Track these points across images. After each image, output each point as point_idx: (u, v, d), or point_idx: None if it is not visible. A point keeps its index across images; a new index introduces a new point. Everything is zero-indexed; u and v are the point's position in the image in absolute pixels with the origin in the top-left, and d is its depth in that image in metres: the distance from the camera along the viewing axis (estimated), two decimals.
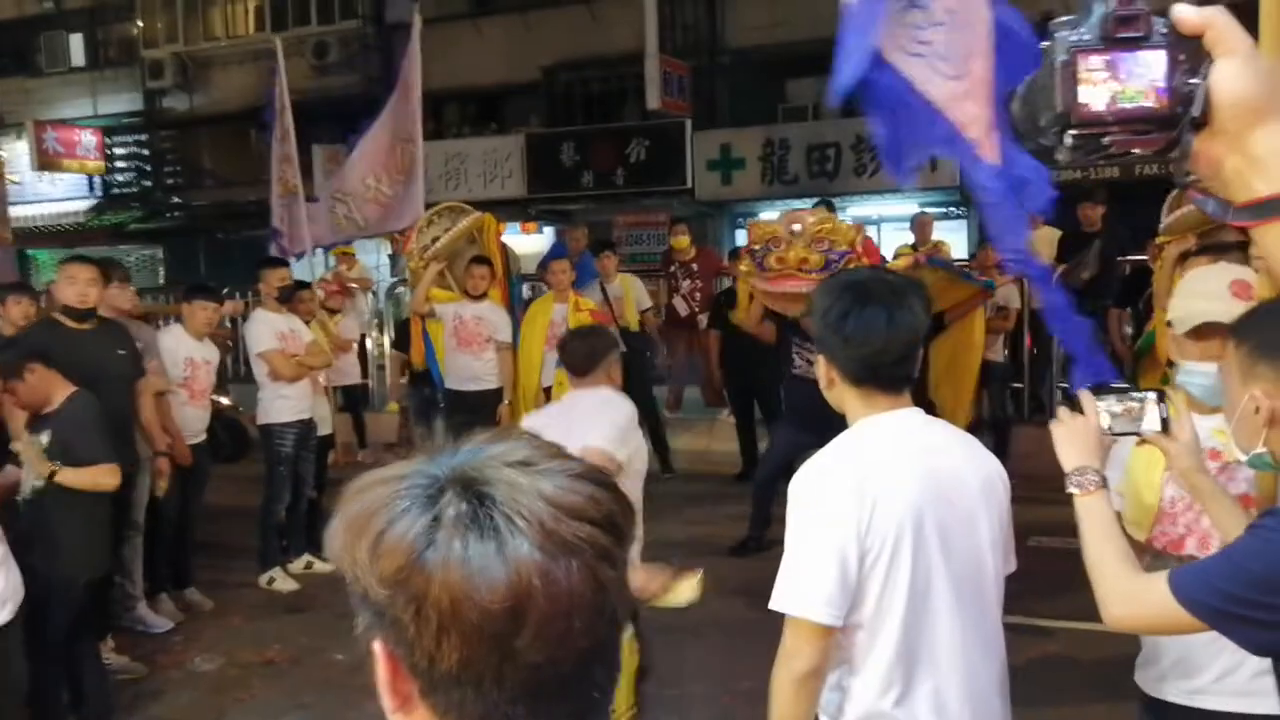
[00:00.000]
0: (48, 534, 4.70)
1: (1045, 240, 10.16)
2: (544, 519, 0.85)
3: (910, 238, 11.19)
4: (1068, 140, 1.04)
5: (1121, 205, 10.13)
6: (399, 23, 17.50)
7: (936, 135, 4.11)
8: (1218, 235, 5.22)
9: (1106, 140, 1.05)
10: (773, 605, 2.14)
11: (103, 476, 4.86)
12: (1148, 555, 2.49)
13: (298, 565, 7.35)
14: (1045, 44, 1.05)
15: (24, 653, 4.13)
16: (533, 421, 4.22)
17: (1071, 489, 2.01)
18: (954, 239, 12.82)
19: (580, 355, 4.13)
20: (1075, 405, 2.07)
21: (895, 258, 10.80)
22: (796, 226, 6.32)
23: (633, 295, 9.63)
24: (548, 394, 8.27)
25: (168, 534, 6.56)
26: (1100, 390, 2.10)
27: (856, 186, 14.59)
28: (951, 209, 15.09)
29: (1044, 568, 4.73)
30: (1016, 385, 10.16)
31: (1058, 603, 5.49)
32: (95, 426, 4.92)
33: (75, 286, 5.67)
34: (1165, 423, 2.09)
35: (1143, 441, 2.16)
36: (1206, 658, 2.42)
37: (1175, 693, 2.55)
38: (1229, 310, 2.30)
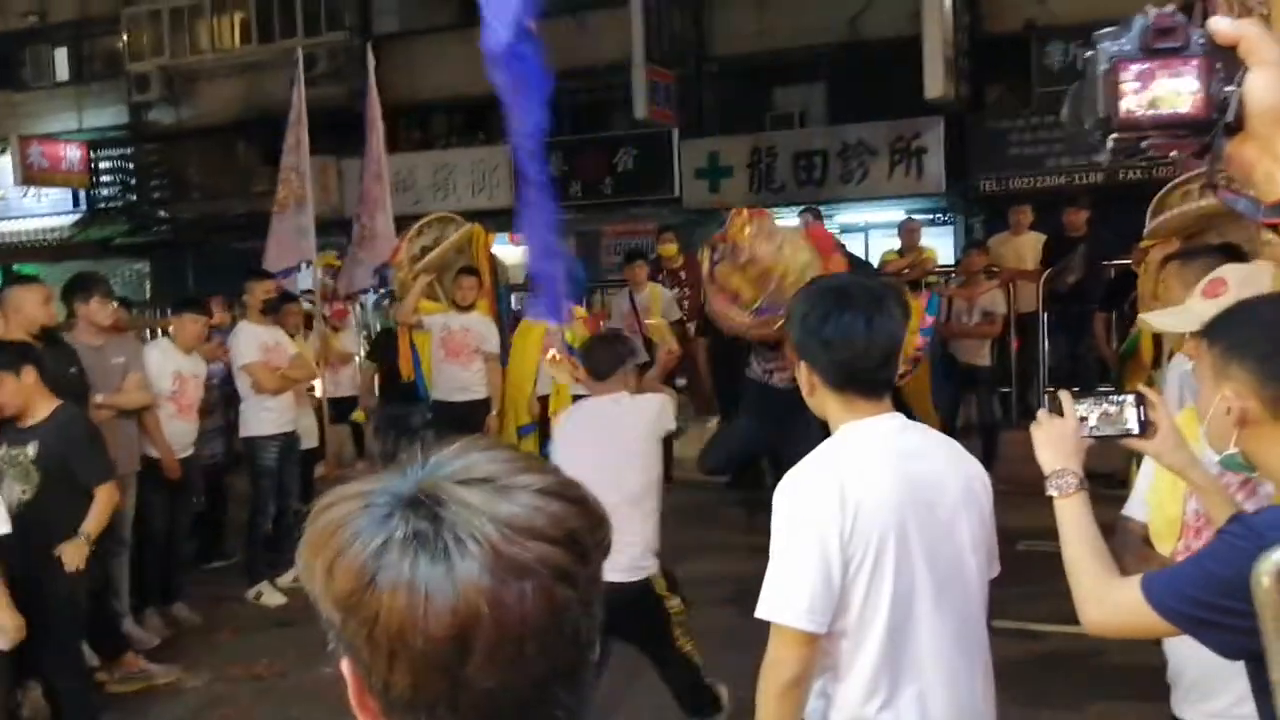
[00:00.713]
0: (45, 548, 4.66)
1: (1031, 245, 10.22)
2: (495, 540, 0.83)
3: (897, 244, 11.22)
4: (1109, 144, 1.12)
5: (1105, 210, 10.16)
6: (386, 34, 17.53)
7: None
8: (1201, 239, 5.25)
9: (1145, 144, 1.12)
10: (758, 614, 2.14)
11: (111, 498, 4.88)
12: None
13: (286, 579, 7.29)
14: (1089, 54, 1.11)
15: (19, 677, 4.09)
16: (566, 440, 4.30)
17: (1051, 492, 2.02)
18: (940, 245, 12.85)
19: (604, 359, 4.23)
20: (1055, 408, 2.08)
21: (881, 264, 10.86)
22: (758, 251, 5.83)
23: (660, 305, 9.62)
24: (543, 404, 8.27)
25: (155, 549, 6.53)
26: (1080, 393, 2.10)
27: (843, 194, 14.63)
28: (938, 216, 15.13)
29: (1033, 572, 4.72)
30: (1004, 390, 10.17)
31: (1047, 607, 5.47)
32: (91, 442, 4.92)
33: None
34: (1146, 424, 2.09)
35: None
36: (1223, 680, 2.39)
37: (1195, 715, 2.53)
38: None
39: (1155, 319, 3.03)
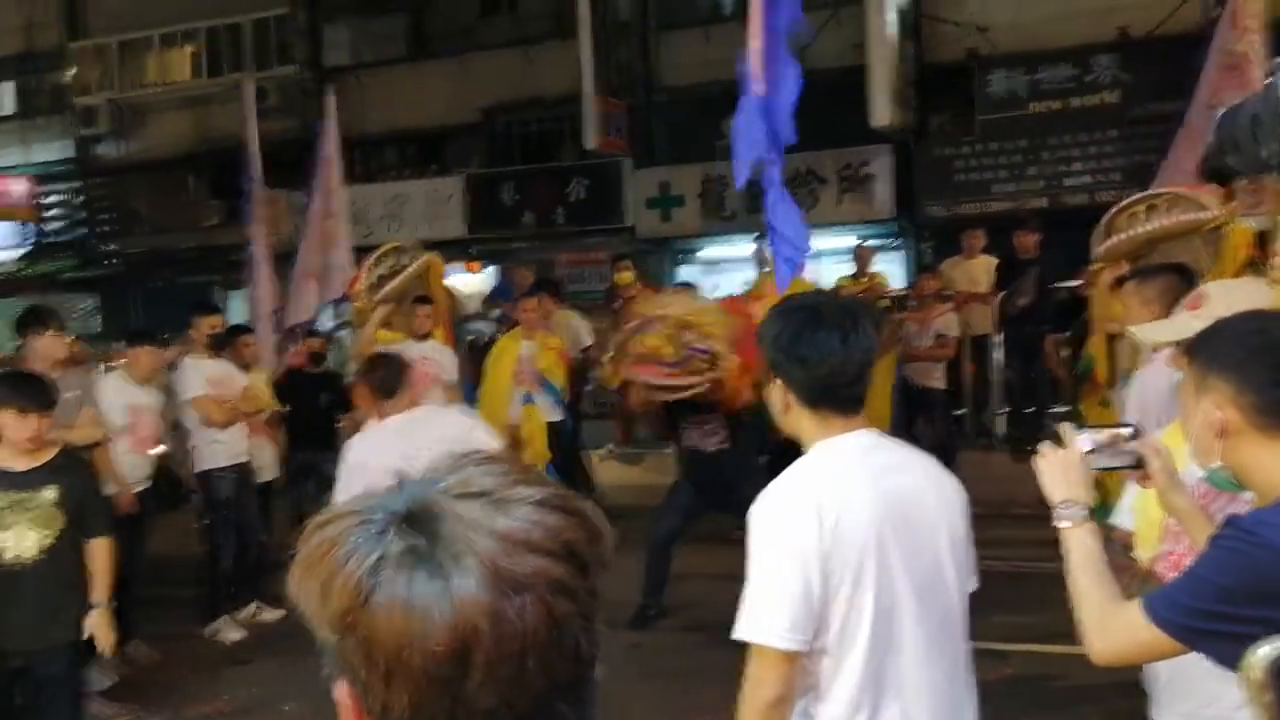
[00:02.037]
0: (42, 609, 4.42)
1: (983, 268, 10.34)
2: (493, 555, 0.82)
3: (848, 269, 11.31)
4: None
5: (1054, 233, 10.32)
6: (337, 67, 17.46)
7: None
8: (1148, 260, 5.35)
9: None
10: (736, 634, 2.12)
11: (113, 551, 4.56)
12: (1136, 580, 2.49)
13: (245, 614, 7.20)
14: (1269, 80, 1.09)
15: None
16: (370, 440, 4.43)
17: (1060, 522, 2.02)
18: (891, 270, 12.96)
19: (390, 375, 4.31)
20: (1058, 439, 2.09)
21: (836, 289, 10.92)
22: (664, 312, 6.00)
23: (566, 335, 9.54)
24: (516, 430, 8.25)
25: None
26: (1079, 425, 2.13)
27: None
28: (888, 241, 15.27)
29: (996, 591, 4.74)
30: (958, 412, 10.26)
31: (1012, 625, 5.53)
32: (99, 489, 4.75)
33: None
34: (1140, 458, 2.11)
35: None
36: (1195, 681, 2.39)
37: (1171, 716, 2.55)
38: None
39: (1144, 332, 3.09)
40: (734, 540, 2.31)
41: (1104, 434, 2.12)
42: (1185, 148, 7.50)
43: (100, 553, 4.48)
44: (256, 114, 10.43)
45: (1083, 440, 2.10)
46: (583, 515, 0.89)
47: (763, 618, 2.10)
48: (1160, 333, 3.01)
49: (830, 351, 2.19)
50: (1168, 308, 3.29)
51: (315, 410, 8.29)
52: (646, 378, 5.86)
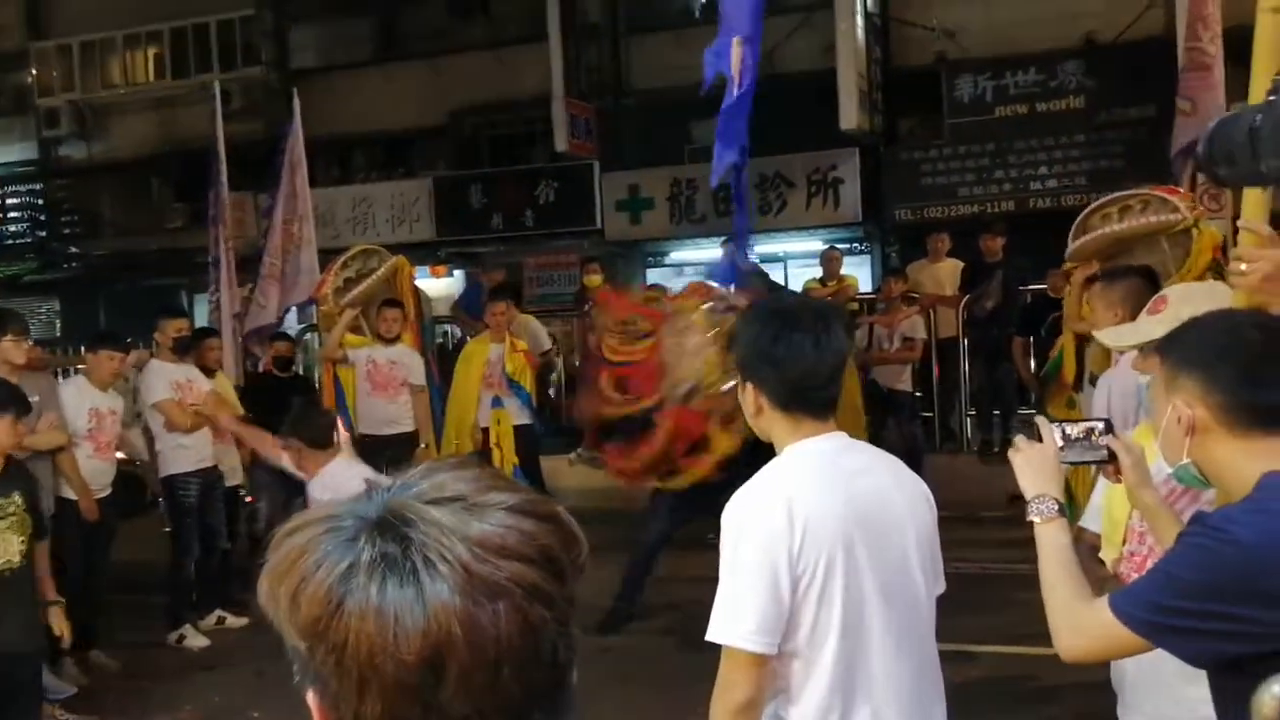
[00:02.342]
0: (25, 611, 4.44)
1: (949, 272, 10.41)
2: (466, 560, 0.81)
3: (816, 273, 11.36)
4: None
5: (1019, 237, 10.41)
6: (304, 68, 17.36)
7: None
8: (1117, 260, 5.40)
9: None
10: (708, 636, 2.12)
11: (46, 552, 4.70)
12: (1108, 583, 2.51)
13: (209, 621, 7.15)
14: (1274, 97, 1.08)
15: None
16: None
17: (1031, 517, 2.04)
18: (858, 273, 13.02)
19: (322, 426, 4.30)
20: (1033, 433, 2.11)
21: (804, 293, 10.96)
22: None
23: (529, 338, 9.52)
24: (485, 436, 8.24)
25: (73, 593, 6.29)
26: (1053, 420, 2.14)
27: (762, 224, 14.72)
28: (855, 245, 15.35)
29: (964, 592, 4.76)
30: (925, 414, 10.32)
31: (980, 626, 5.56)
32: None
33: None
34: (1114, 452, 2.13)
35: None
36: (1159, 680, 2.42)
37: (1138, 717, 2.57)
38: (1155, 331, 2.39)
39: (1109, 335, 3.13)
40: (709, 544, 2.32)
41: (1078, 428, 2.14)
42: None
43: (43, 554, 4.71)
44: (224, 115, 10.34)
45: (1057, 434, 2.11)
46: (558, 520, 0.88)
47: (733, 620, 2.10)
48: (1123, 337, 3.04)
49: (803, 354, 2.20)
50: (1133, 311, 3.33)
51: (285, 414, 8.18)
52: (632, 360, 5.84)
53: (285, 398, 7.92)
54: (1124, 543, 2.55)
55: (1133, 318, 3.14)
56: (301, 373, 9.04)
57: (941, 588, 2.34)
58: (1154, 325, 2.52)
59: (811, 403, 2.25)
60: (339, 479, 4.31)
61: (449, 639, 0.79)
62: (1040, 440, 2.11)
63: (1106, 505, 2.62)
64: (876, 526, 2.20)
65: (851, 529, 2.15)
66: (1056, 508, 2.03)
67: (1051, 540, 2.01)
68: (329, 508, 0.87)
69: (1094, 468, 2.33)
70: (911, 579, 2.24)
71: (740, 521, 2.17)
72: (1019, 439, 2.12)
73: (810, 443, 2.24)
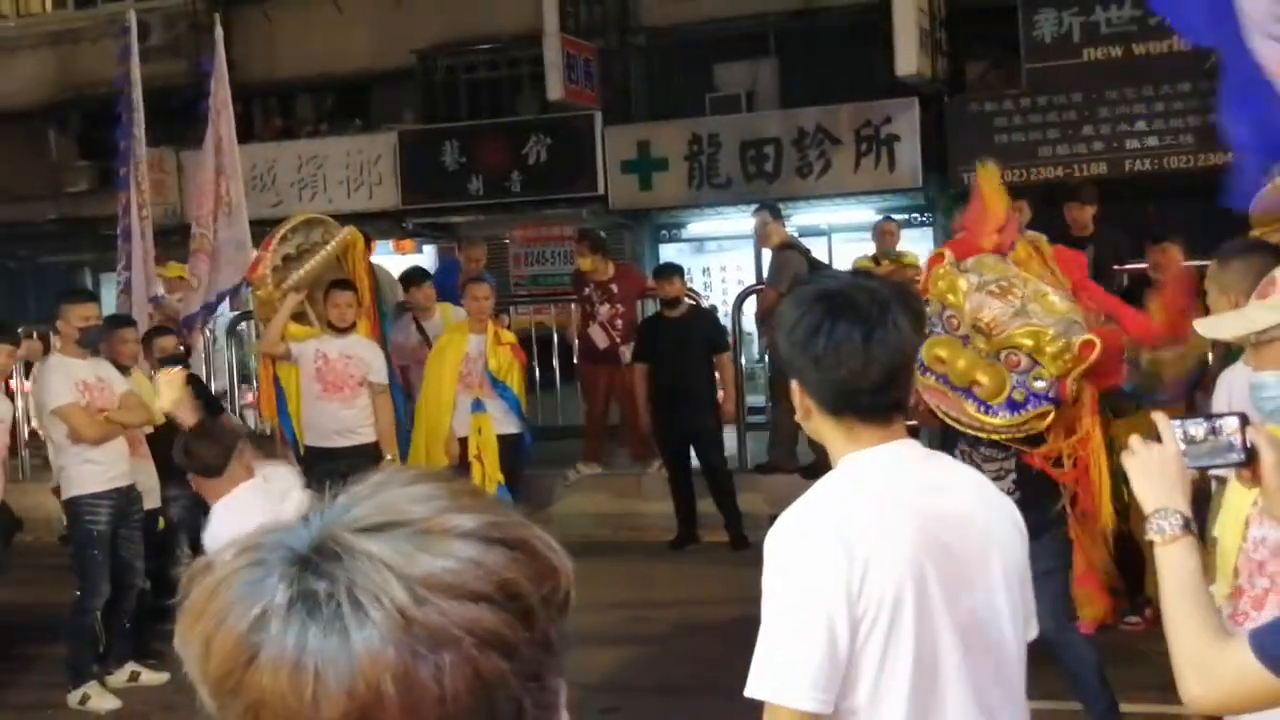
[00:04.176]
0: None
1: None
2: (403, 602, 0.81)
3: (869, 247, 11.34)
4: None
5: (1113, 206, 10.39)
6: None
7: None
8: None
9: None
10: (749, 692, 2.11)
11: None
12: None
13: (119, 677, 7.12)
14: None
15: None
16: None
17: (1151, 535, 2.04)
18: (920, 250, 13.00)
19: (212, 453, 4.35)
20: (1153, 434, 2.09)
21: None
22: (984, 315, 4.50)
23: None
24: (463, 447, 8.22)
25: None
26: (1181, 416, 2.13)
27: (801, 190, 14.76)
28: (914, 215, 15.33)
29: (1037, 642, 4.76)
30: None
31: (1059, 682, 5.54)
32: None
33: None
34: (1251, 451, 2.11)
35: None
36: None
37: None
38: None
39: (1207, 325, 3.11)
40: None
41: (1203, 425, 2.13)
42: None
43: None
44: (139, 54, 10.35)
45: (1179, 433, 2.10)
46: (529, 548, 0.88)
47: (779, 673, 2.09)
48: (1224, 326, 3.03)
49: (850, 350, 2.19)
50: (1248, 295, 3.32)
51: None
52: (944, 407, 4.68)
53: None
54: (1235, 576, 2.55)
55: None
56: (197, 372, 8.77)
57: (1034, 632, 2.34)
58: (1263, 312, 2.51)
59: (866, 407, 2.24)
60: (236, 516, 4.29)
61: (379, 698, 0.79)
62: (1159, 441, 2.10)
63: (1221, 531, 2.61)
64: (954, 557, 2.19)
65: (923, 560, 2.14)
66: (1182, 523, 2.03)
67: (1177, 564, 2.00)
68: (256, 535, 0.88)
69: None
70: (997, 622, 2.23)
71: (786, 554, 2.16)
72: (1134, 441, 2.11)
73: (869, 454, 2.23)
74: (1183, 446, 2.11)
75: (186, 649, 0.85)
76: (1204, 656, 1.86)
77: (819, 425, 2.29)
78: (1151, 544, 2.06)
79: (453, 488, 0.90)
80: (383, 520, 0.85)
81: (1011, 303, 4.43)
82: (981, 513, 2.28)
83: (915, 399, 5.10)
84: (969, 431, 4.64)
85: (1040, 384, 4.43)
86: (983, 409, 4.46)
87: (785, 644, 2.10)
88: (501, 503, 0.92)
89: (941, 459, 2.36)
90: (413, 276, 10.12)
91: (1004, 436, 4.64)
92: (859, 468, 2.23)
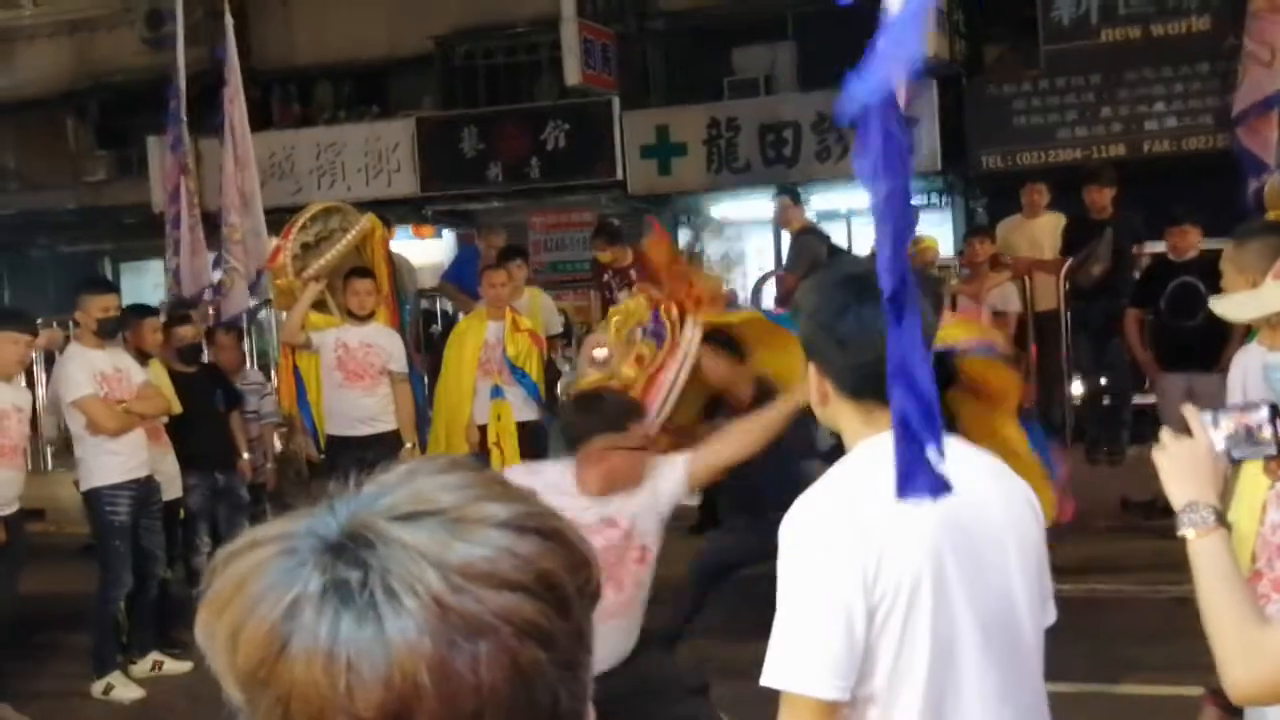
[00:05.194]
0: None
1: (1048, 230, 10.37)
2: (439, 591, 0.80)
3: None
4: None
5: (1133, 188, 10.36)
6: None
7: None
8: None
9: None
10: (764, 681, 2.11)
11: None
12: None
13: (143, 667, 7.19)
14: None
15: None
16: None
17: (1184, 530, 2.04)
18: (938, 234, 12.98)
19: (566, 425, 4.38)
20: (1183, 427, 2.09)
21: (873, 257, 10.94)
22: (599, 354, 5.77)
23: (541, 317, 9.55)
24: (483, 434, 8.23)
25: None
26: (1212, 408, 2.12)
27: (820, 173, 14.72)
28: (933, 198, 15.30)
29: (1066, 619, 4.76)
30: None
31: (1084, 663, 5.55)
32: None
33: None
34: None
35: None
36: None
37: None
38: None
39: (1224, 305, 3.10)
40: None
41: (1233, 417, 2.13)
42: None
43: None
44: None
45: (1210, 425, 2.10)
46: (562, 538, 0.87)
47: (795, 660, 2.09)
48: (1242, 307, 3.01)
49: (876, 332, 2.18)
50: (1264, 275, 3.31)
51: (212, 414, 8.06)
52: (664, 388, 5.65)
53: (196, 398, 7.81)
54: (1253, 560, 2.55)
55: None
56: (214, 362, 8.74)
57: (1051, 618, 2.34)
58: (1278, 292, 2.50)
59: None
60: None
61: (415, 689, 0.79)
62: (1190, 435, 2.10)
63: (1236, 518, 2.61)
64: (971, 544, 2.19)
65: (940, 545, 2.14)
66: (1214, 517, 2.03)
67: (1212, 557, 2.00)
68: (285, 523, 0.87)
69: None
70: (1014, 607, 2.23)
71: (802, 538, 2.16)
72: (1165, 434, 2.11)
73: (887, 438, 2.23)
74: (1223, 438, 2.11)
75: (211, 639, 0.84)
76: (1247, 642, 1.87)
77: (836, 409, 2.29)
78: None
79: (483, 477, 0.89)
80: (415, 509, 0.84)
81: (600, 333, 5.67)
82: (998, 497, 2.28)
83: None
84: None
85: (648, 325, 5.52)
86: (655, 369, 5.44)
87: (802, 631, 2.10)
88: (531, 493, 0.90)
89: (960, 444, 2.35)
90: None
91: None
92: (875, 452, 2.21)
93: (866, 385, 2.23)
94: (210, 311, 9.87)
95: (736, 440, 4.54)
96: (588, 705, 0.89)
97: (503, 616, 0.81)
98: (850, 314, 2.22)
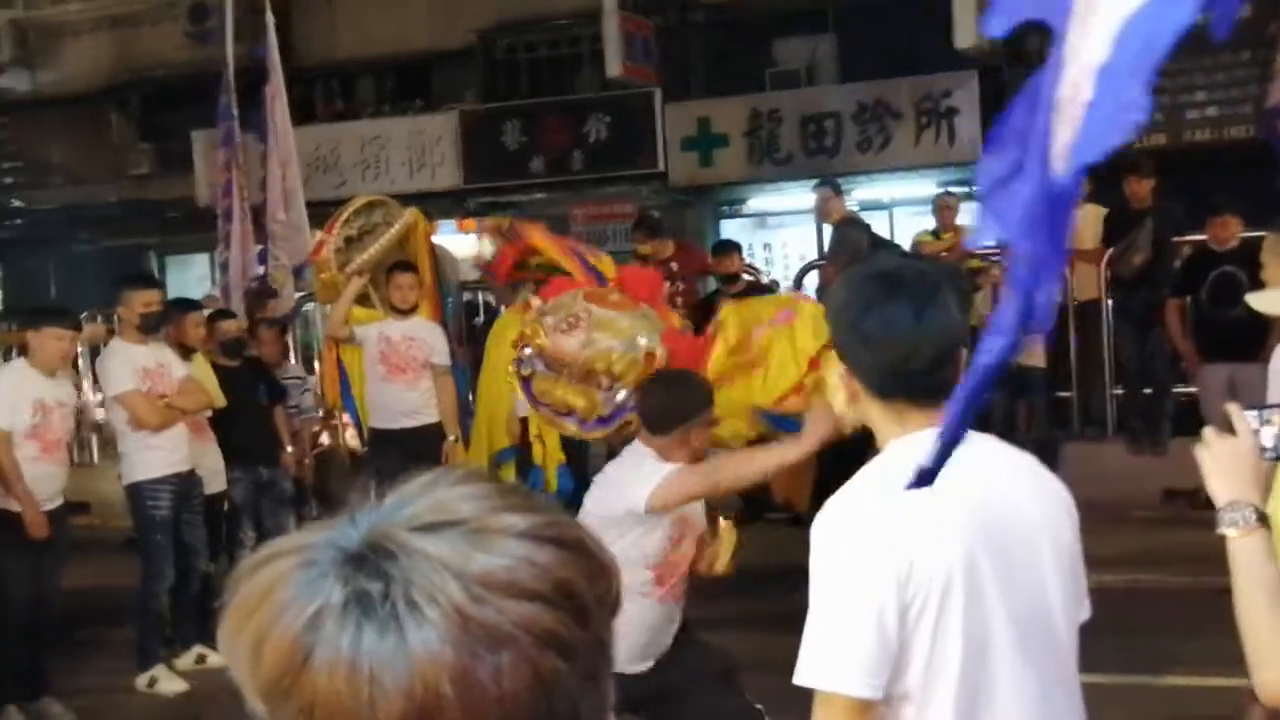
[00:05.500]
0: None
1: (1089, 220, 10.29)
2: (460, 601, 0.80)
3: (930, 221, 11.28)
4: None
5: (1173, 177, 10.28)
6: None
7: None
8: None
9: None
10: (798, 679, 2.12)
11: None
12: None
13: (186, 660, 7.25)
14: None
15: None
16: None
17: (1225, 529, 2.03)
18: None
19: (655, 410, 4.25)
20: (1226, 424, 2.08)
21: (915, 248, 10.91)
22: (562, 348, 5.13)
23: None
24: (524, 427, 8.25)
25: (15, 628, 6.41)
26: (1254, 404, 2.11)
27: (861, 164, 14.69)
28: (975, 188, 15.21)
29: (1107, 612, 4.75)
30: (1062, 395, 10.25)
31: (1126, 655, 5.53)
32: None
33: None
34: None
35: None
36: None
37: None
38: None
39: (1261, 299, 3.08)
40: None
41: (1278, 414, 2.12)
42: None
43: None
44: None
45: (1254, 423, 2.09)
46: (582, 548, 0.88)
47: (829, 659, 2.10)
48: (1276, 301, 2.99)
49: (900, 331, 2.19)
50: None
51: (255, 409, 8.13)
52: (567, 431, 5.48)
53: (240, 392, 7.88)
54: None
55: None
56: (258, 356, 8.74)
57: (1086, 614, 2.33)
58: None
59: (915, 389, 2.23)
60: None
61: (437, 699, 0.79)
62: (1234, 433, 2.09)
63: (1275, 518, 2.59)
64: (1004, 541, 2.18)
65: (973, 544, 2.14)
66: (1255, 517, 2.02)
67: (1249, 556, 1.99)
68: (306, 534, 0.88)
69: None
70: (1048, 605, 2.22)
71: (833, 539, 2.16)
72: (1208, 432, 2.09)
73: (918, 438, 2.21)
74: (1270, 435, 2.10)
75: (234, 650, 0.85)
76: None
77: (867, 409, 2.29)
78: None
79: (501, 487, 0.89)
80: (436, 519, 0.85)
81: (578, 336, 4.99)
82: (1032, 495, 2.28)
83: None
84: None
85: (621, 397, 4.95)
86: (583, 427, 5.13)
87: (834, 631, 2.11)
88: (550, 503, 0.91)
89: (991, 442, 2.35)
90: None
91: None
92: (907, 452, 2.20)
93: (893, 385, 2.24)
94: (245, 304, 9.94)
95: (730, 470, 4.45)
96: (609, 715, 0.89)
97: (523, 627, 0.81)
98: (875, 311, 2.21)
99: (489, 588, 0.81)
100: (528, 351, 5.17)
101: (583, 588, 0.85)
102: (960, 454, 2.23)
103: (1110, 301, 10.13)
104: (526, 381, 5.21)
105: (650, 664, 4.40)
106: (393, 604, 0.81)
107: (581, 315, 5.07)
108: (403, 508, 0.86)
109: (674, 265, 10.43)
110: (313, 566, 0.84)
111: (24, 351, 7.04)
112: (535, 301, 5.43)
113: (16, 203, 20.53)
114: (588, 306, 5.16)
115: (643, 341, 5.01)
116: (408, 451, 7.61)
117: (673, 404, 4.28)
